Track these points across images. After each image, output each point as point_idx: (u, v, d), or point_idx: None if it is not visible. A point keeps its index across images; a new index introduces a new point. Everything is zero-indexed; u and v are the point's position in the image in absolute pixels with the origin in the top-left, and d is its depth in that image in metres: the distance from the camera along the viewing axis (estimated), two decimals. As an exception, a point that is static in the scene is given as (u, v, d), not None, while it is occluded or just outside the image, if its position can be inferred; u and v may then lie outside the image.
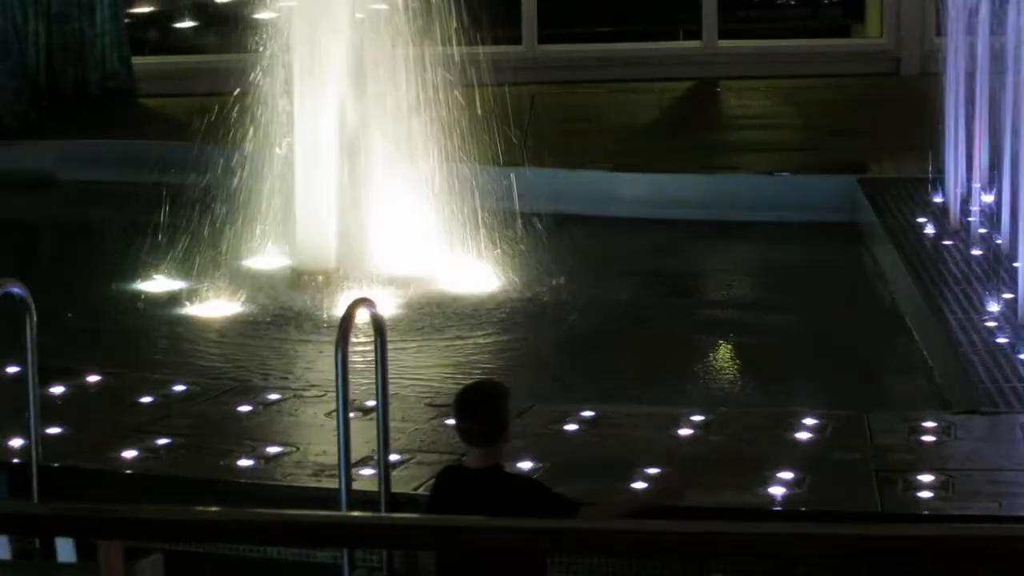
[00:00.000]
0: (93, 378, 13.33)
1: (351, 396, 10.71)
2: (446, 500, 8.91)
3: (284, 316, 14.15)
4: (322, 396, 12.41)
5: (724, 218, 17.32)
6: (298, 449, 12.12)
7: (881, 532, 6.25)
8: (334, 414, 10.92)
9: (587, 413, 12.33)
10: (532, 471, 10.11)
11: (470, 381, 10.00)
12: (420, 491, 10.38)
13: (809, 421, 12.04)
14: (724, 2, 24.52)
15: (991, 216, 16.52)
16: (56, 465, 11.74)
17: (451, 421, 9.42)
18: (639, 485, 11.23)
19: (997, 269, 15.16)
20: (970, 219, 16.63)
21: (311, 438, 12.22)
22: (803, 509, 11.13)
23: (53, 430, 12.17)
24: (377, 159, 15.96)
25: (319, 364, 12.70)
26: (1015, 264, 14.98)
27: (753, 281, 15.95)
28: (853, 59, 21.41)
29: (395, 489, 10.72)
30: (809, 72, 21.63)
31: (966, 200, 16.92)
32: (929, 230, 16.06)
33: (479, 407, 8.89)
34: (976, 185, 17.03)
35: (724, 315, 14.92)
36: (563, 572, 9.35)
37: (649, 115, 22.64)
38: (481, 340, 14.18)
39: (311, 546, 9.08)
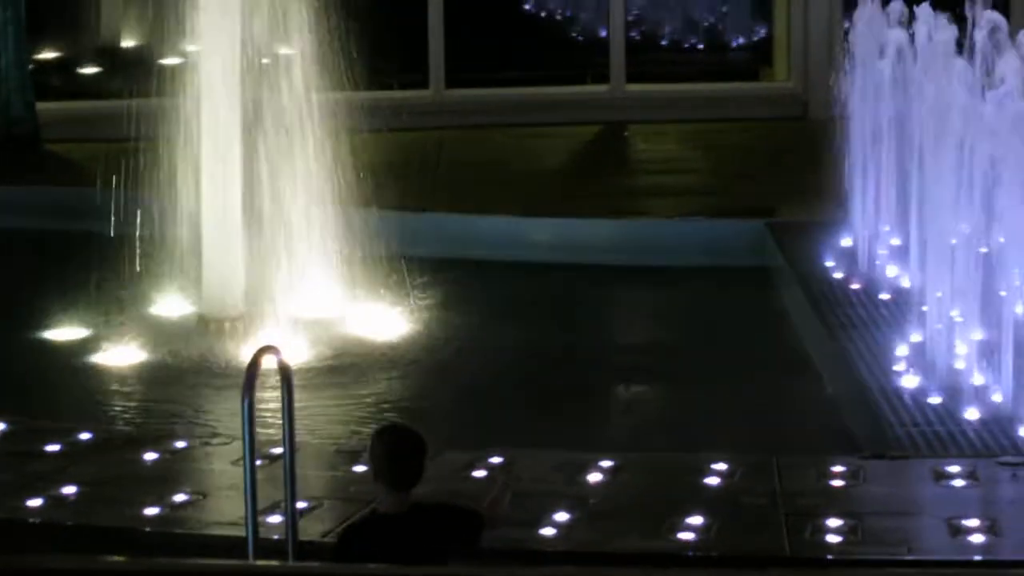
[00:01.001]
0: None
1: (258, 443, 10.76)
2: (366, 545, 8.95)
3: (191, 363, 14.11)
4: (229, 443, 12.45)
5: (634, 263, 17.36)
6: (205, 497, 12.15)
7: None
8: (241, 461, 10.93)
9: (495, 459, 12.44)
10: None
11: (392, 425, 9.99)
12: (328, 538, 10.44)
13: (718, 466, 12.14)
14: (632, 46, 24.71)
15: (899, 259, 16.70)
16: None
17: (370, 466, 9.42)
18: (548, 531, 11.36)
19: (905, 312, 15.32)
20: (878, 262, 16.80)
21: (218, 486, 12.26)
22: (713, 554, 11.26)
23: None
24: (283, 205, 16.00)
25: (226, 411, 12.70)
26: (923, 307, 15.16)
27: (663, 326, 15.99)
28: (761, 103, 21.58)
29: (303, 537, 10.74)
30: (717, 116, 21.76)
31: (873, 243, 17.09)
32: (837, 273, 16.18)
33: (419, 451, 9.00)
34: (884, 228, 17.21)
35: (633, 360, 14.94)
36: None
37: (558, 159, 22.64)
38: (388, 385, 14.19)
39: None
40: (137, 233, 15.97)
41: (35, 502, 12.01)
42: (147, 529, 11.79)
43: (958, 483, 11.91)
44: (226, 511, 11.66)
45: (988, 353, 13.97)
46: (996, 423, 13.05)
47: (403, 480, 8.93)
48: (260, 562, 10.32)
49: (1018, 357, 13.67)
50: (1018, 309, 14.63)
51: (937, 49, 16.64)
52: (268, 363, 10.88)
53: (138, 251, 15.91)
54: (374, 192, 16.04)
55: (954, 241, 15.33)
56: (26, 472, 12.68)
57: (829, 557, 11.10)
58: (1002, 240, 15.25)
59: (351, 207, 16.01)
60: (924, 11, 17.02)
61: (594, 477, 12.34)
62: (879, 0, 17.56)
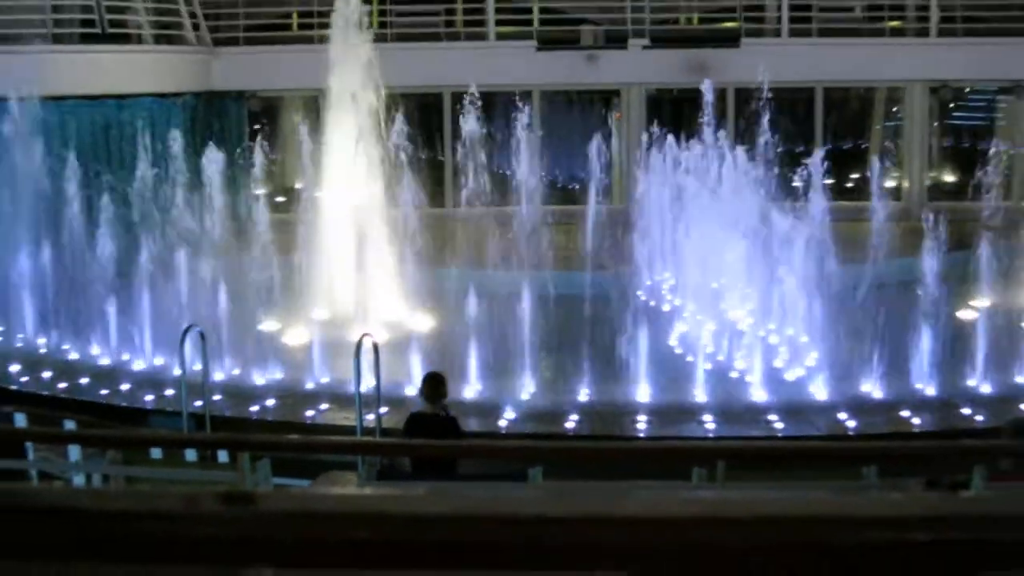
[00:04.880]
0: (234, 372, 13.44)
1: (361, 383, 10.91)
2: (417, 428, 9.09)
3: (327, 343, 13.85)
4: (347, 382, 12.45)
5: (546, 293, 16.59)
6: (337, 408, 12.26)
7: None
8: (353, 393, 11.11)
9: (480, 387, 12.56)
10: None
11: (429, 373, 10.02)
12: (396, 427, 10.47)
13: (579, 408, 12.19)
14: (543, 187, 24.42)
15: (674, 291, 16.63)
16: (216, 414, 11.85)
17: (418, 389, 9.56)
18: (502, 423, 11.46)
19: (676, 319, 15.24)
20: (663, 293, 16.68)
21: (340, 403, 12.33)
22: (584, 433, 11.41)
23: (216, 397, 12.31)
24: (373, 259, 15.96)
25: (345, 366, 12.65)
26: (684, 314, 15.19)
27: (560, 323, 15.23)
28: (607, 215, 21.10)
29: (385, 426, 10.93)
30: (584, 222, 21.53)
31: (659, 283, 17.01)
32: (643, 298, 15.98)
33: (436, 383, 9.18)
34: (666, 275, 17.10)
35: (547, 339, 14.26)
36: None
37: (510, 242, 22.40)
38: (427, 352, 13.90)
39: (343, 453, 9.17)
40: (295, 274, 15.87)
41: (255, 408, 12.16)
42: (307, 422, 11.91)
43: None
44: (347, 414, 11.77)
45: (719, 338, 14.07)
46: (721, 373, 13.07)
47: (429, 398, 9.09)
48: (362, 438, 10.47)
49: (733, 341, 13.77)
50: (733, 315, 14.78)
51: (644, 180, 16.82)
52: (366, 342, 11.03)
53: (297, 284, 15.87)
54: (419, 255, 15.98)
55: (699, 280, 15.48)
56: (248, 394, 12.81)
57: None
58: (723, 281, 15.42)
59: (408, 262, 15.96)
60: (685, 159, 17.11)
61: (525, 396, 12.49)
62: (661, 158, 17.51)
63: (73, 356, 14.48)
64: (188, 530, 1.41)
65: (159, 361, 13.90)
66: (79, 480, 7.40)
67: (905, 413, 11.74)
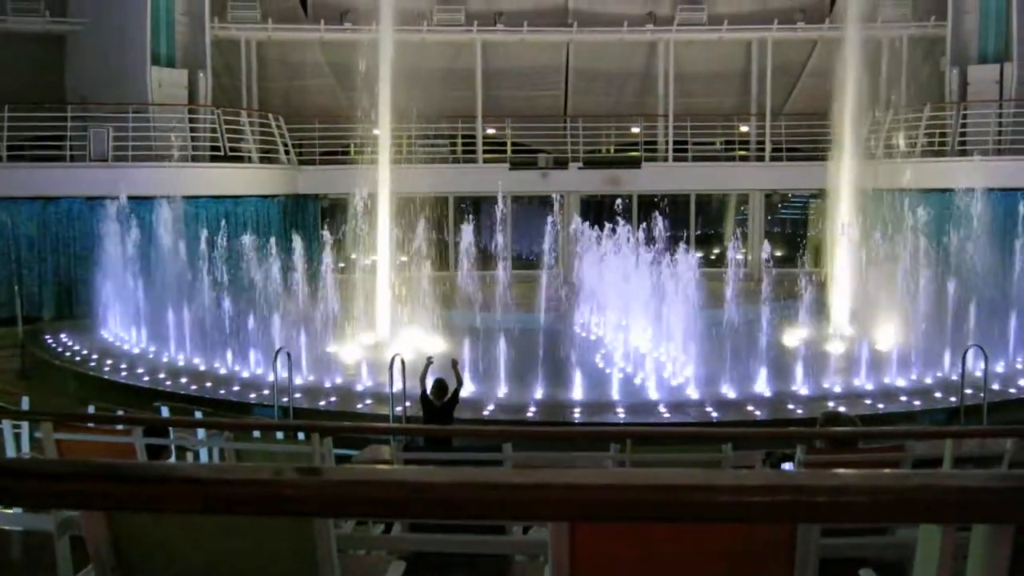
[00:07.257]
0: (309, 379, 13.15)
1: (393, 387, 10.72)
2: (425, 410, 8.96)
3: (370, 359, 13.74)
4: (383, 387, 12.22)
5: (509, 326, 16.54)
6: (374, 402, 12.02)
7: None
8: (387, 395, 10.91)
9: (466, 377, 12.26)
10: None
11: (436, 378, 9.90)
12: (416, 415, 10.24)
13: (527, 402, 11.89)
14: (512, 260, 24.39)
15: (596, 327, 16.43)
16: (296, 407, 11.61)
17: (431, 390, 9.38)
18: (489, 409, 11.16)
19: (589, 344, 15.04)
20: (590, 327, 16.44)
21: (380, 401, 12.01)
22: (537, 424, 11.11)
23: (297, 395, 12.01)
24: (403, 304, 15.80)
25: (382, 375, 12.47)
26: (604, 341, 14.84)
27: (520, 347, 15.25)
28: (554, 276, 20.85)
29: (408, 415, 10.72)
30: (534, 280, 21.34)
31: (588, 322, 16.73)
32: (576, 332, 15.91)
33: (441, 387, 8.99)
34: (593, 315, 16.84)
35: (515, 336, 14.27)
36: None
37: (490, 294, 22.17)
38: (440, 364, 13.78)
39: (380, 433, 9.03)
40: (350, 313, 15.60)
41: (322, 403, 11.86)
42: (357, 411, 11.68)
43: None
44: (382, 408, 11.57)
45: (627, 357, 13.89)
46: (629, 380, 12.84)
47: (436, 396, 8.94)
48: (393, 424, 10.30)
49: (636, 359, 13.55)
50: (636, 342, 14.52)
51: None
52: (396, 360, 10.87)
53: (350, 319, 15.60)
54: (432, 301, 15.85)
55: (614, 319, 15.24)
56: (319, 394, 12.53)
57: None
58: (630, 319, 15.18)
59: (424, 305, 15.84)
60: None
61: (500, 395, 12.25)
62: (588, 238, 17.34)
63: (201, 368, 14.28)
64: (277, 491, 1.40)
65: (259, 371, 13.71)
66: (203, 453, 7.25)
67: (751, 407, 11.69)
